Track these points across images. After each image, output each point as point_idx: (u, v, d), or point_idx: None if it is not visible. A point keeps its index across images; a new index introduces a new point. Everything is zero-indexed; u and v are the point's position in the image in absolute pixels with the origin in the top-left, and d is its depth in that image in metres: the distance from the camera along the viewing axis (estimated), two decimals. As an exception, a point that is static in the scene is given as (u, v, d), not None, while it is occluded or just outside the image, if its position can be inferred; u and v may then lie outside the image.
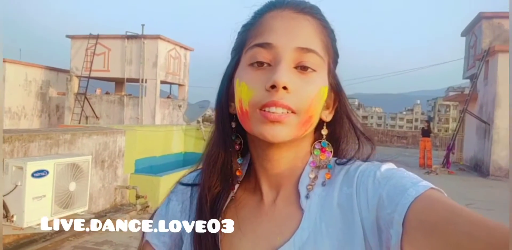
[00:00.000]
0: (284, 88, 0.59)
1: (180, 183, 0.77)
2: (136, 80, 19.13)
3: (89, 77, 19.20)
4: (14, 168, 3.82)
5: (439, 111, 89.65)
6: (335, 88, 0.69)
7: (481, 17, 15.60)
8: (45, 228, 4.08)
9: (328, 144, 0.70)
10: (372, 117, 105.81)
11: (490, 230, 0.45)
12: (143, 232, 0.76)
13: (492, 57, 13.99)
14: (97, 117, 19.26)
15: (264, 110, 0.60)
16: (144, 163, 7.16)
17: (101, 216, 5.33)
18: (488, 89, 14.23)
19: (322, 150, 0.69)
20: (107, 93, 21.41)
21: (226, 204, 0.70)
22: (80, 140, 5.18)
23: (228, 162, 0.70)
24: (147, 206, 6.24)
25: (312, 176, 0.67)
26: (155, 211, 0.78)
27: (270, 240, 0.64)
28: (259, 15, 0.67)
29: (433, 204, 0.52)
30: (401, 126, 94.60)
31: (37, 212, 3.88)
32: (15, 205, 3.77)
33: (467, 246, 0.46)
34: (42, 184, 3.93)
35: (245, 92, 0.62)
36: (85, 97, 19.20)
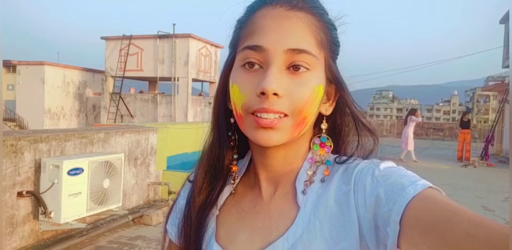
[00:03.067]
0: (275, 94, 0.59)
1: (188, 180, 0.80)
2: (169, 79, 19.47)
3: (123, 77, 19.68)
4: (51, 166, 3.98)
5: (477, 101, 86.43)
6: (335, 81, 0.67)
7: (520, 3, 14.91)
8: (81, 224, 4.25)
9: (327, 138, 0.69)
10: (407, 110, 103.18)
11: (489, 229, 0.45)
12: (165, 230, 0.79)
13: (532, 44, 13.36)
14: (131, 115, 19.73)
15: (256, 115, 0.61)
16: (176, 160, 7.28)
17: (135, 212, 5.48)
18: (528, 78, 13.62)
19: (322, 145, 0.69)
20: (141, 92, 21.89)
21: (225, 198, 0.72)
22: (114, 138, 5.33)
23: (224, 159, 0.72)
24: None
25: (310, 172, 0.67)
26: (170, 209, 0.81)
27: (265, 234, 0.65)
28: (251, 12, 0.66)
29: (431, 203, 0.52)
30: (437, 118, 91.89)
31: (74, 208, 4.03)
32: (52, 202, 3.94)
33: (465, 245, 0.45)
34: (78, 181, 4.08)
35: (237, 96, 0.63)
36: (120, 97, 19.70)
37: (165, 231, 0.79)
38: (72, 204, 4.01)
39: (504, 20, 17.40)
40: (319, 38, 0.64)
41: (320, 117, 0.68)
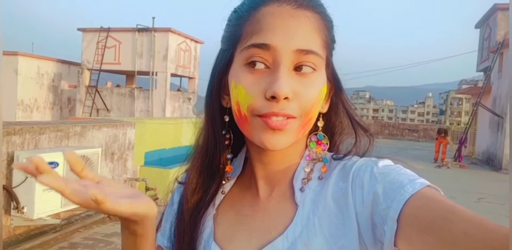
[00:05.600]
0: (285, 98, 0.58)
1: (178, 182, 0.78)
2: (147, 73, 19.20)
3: (100, 70, 19.31)
4: (24, 160, 3.85)
5: (451, 104, 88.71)
6: (332, 79, 0.67)
7: (496, 9, 15.31)
8: (55, 219, 4.13)
9: (324, 136, 0.69)
10: (383, 110, 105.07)
11: (487, 229, 0.44)
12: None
13: (507, 49, 13.74)
14: (108, 109, 19.40)
15: (264, 118, 0.59)
16: (154, 156, 7.19)
17: (111, 208, 5.38)
18: (502, 82, 14.01)
19: (318, 142, 0.69)
20: (118, 86, 21.53)
21: (222, 198, 0.71)
22: (90, 132, 5.20)
23: (218, 158, 0.70)
24: (157, 199, 6.27)
25: (307, 170, 0.67)
26: (162, 214, 0.78)
27: (264, 233, 0.64)
28: (254, 8, 0.62)
29: (429, 201, 0.51)
30: (412, 119, 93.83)
31: (47, 203, 3.92)
32: (25, 197, 3.82)
33: (462, 244, 0.45)
34: (52, 176, 3.96)
35: (243, 97, 0.60)
36: (96, 90, 19.34)
37: (158, 246, 0.74)
38: (46, 199, 3.89)
39: (479, 24, 17.84)
40: (324, 38, 0.63)
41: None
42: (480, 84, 18.01)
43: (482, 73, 18.03)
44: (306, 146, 0.69)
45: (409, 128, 27.94)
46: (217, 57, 0.69)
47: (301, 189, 0.65)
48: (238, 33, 0.63)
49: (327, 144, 0.69)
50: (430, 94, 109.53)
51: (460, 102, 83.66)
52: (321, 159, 0.68)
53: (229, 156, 0.71)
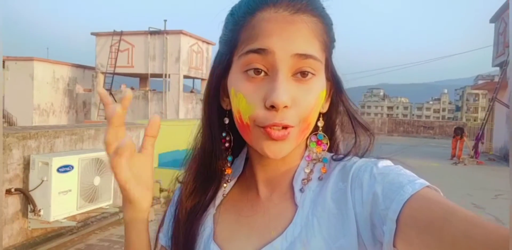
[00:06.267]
0: (285, 107, 0.58)
1: (179, 181, 0.78)
2: (160, 75, 19.36)
3: (114, 73, 19.53)
4: (40, 163, 3.92)
5: (467, 100, 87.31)
6: (332, 78, 0.66)
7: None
8: (71, 222, 4.19)
9: (324, 136, 0.68)
10: (397, 108, 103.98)
11: (486, 230, 0.44)
12: (157, 235, 0.78)
13: (522, 43, 13.49)
14: (122, 112, 19.60)
15: (265, 128, 0.59)
16: (168, 157, 7.23)
17: (126, 209, 5.43)
18: (518, 77, 13.76)
19: (318, 142, 0.68)
20: (131, 88, 21.74)
21: (221, 199, 0.72)
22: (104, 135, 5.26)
23: (217, 161, 0.70)
24: (171, 199, 6.31)
25: (307, 170, 0.67)
26: (164, 213, 0.79)
27: (264, 234, 0.64)
28: (250, 14, 0.61)
29: (429, 202, 0.51)
30: (427, 116, 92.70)
31: (63, 206, 3.98)
32: (41, 200, 3.88)
33: (462, 245, 0.45)
34: (68, 179, 4.02)
35: (244, 106, 0.60)
36: (111, 93, 19.53)
37: (157, 238, 0.77)
38: (62, 202, 3.95)
39: (494, 19, 17.54)
40: (322, 41, 0.62)
41: None
42: (496, 79, 17.71)
43: (498, 68, 17.72)
44: (306, 146, 0.69)
45: (425, 125, 27.59)
46: (215, 59, 0.69)
47: (301, 190, 0.65)
48: (235, 39, 0.63)
49: (327, 144, 0.68)
50: (446, 91, 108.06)
51: (477, 98, 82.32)
52: (321, 159, 0.68)
53: (229, 158, 0.71)
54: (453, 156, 14.32)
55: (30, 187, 3.90)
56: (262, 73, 0.59)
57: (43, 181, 3.87)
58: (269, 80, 0.59)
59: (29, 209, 3.93)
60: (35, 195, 3.89)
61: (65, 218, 4.06)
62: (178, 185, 0.78)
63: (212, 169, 0.70)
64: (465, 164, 13.04)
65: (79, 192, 4.14)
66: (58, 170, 3.92)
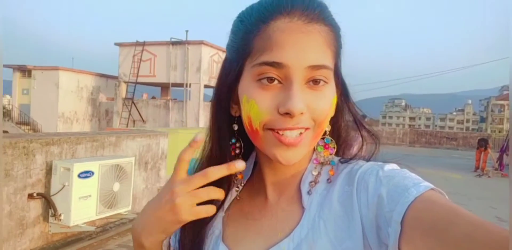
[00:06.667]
0: (301, 113, 0.58)
1: None
2: (181, 85, 19.60)
3: (136, 83, 19.86)
4: (62, 169, 4.00)
5: (492, 111, 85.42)
6: (339, 84, 0.67)
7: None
8: (90, 227, 4.25)
9: (331, 140, 0.69)
10: (420, 118, 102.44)
11: (490, 232, 0.44)
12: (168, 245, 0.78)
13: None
14: (143, 121, 19.87)
15: (278, 133, 0.59)
16: (190, 164, 7.29)
17: (145, 216, 5.47)
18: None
19: (325, 146, 0.69)
20: (153, 97, 22.06)
21: (230, 202, 0.72)
22: (125, 142, 5.35)
23: None
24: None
25: (315, 173, 0.68)
26: None
27: (271, 236, 0.65)
28: (264, 22, 0.61)
29: (433, 204, 0.52)
30: (451, 127, 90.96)
31: (83, 211, 4.04)
32: (62, 205, 3.95)
33: (465, 247, 0.45)
34: (88, 184, 4.09)
35: (255, 112, 0.60)
36: (132, 102, 19.87)
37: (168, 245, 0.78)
38: (82, 207, 4.01)
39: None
40: (334, 50, 0.63)
41: None
42: (521, 90, 17.29)
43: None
44: (314, 150, 0.69)
45: (447, 136, 27.05)
46: (224, 66, 0.68)
47: (308, 192, 0.66)
48: (248, 48, 0.62)
49: (334, 148, 0.69)
50: (470, 101, 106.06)
51: (502, 109, 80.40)
52: (328, 162, 0.68)
53: None
54: (476, 168, 13.99)
55: (52, 192, 3.98)
56: (276, 81, 0.60)
57: (64, 186, 3.94)
58: (283, 89, 0.59)
59: (50, 214, 4.00)
60: (56, 200, 3.96)
61: (84, 223, 4.11)
62: None
63: (224, 178, 0.69)
64: (489, 176, 12.71)
65: (99, 198, 4.20)
66: (79, 176, 3.99)
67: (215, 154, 0.69)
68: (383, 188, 0.57)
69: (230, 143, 0.70)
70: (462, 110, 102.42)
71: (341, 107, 0.69)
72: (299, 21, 0.59)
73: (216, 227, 0.71)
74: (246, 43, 0.62)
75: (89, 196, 4.10)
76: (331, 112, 0.64)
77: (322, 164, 0.68)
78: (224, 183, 0.71)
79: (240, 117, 0.66)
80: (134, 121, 19.92)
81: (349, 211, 0.60)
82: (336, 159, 0.69)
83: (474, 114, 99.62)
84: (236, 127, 0.69)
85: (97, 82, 23.90)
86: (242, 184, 0.73)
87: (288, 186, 0.69)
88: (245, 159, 0.74)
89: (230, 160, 0.69)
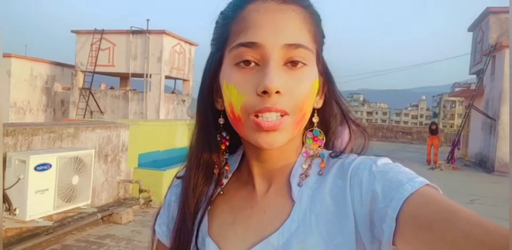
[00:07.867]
0: (277, 92, 0.57)
1: (176, 177, 0.77)
2: (141, 75, 19.14)
3: (94, 72, 19.22)
4: (17, 161, 3.82)
5: (444, 107, 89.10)
6: (324, 73, 0.67)
7: (488, 12, 15.44)
8: (47, 221, 4.09)
9: (320, 132, 0.68)
10: (377, 113, 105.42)
11: (487, 230, 0.44)
12: (153, 230, 0.77)
13: (499, 52, 13.86)
14: (101, 112, 19.31)
15: (257, 116, 0.58)
16: (148, 158, 7.15)
17: (104, 210, 5.34)
18: (494, 85, 14.12)
19: (314, 139, 0.68)
20: (111, 88, 21.45)
21: (214, 197, 0.71)
22: (84, 134, 5.17)
23: (213, 161, 0.69)
24: (150, 200, 6.25)
25: (305, 166, 0.66)
26: (159, 209, 0.79)
27: (260, 230, 0.64)
28: (240, 7, 0.62)
29: (428, 200, 0.51)
30: (406, 122, 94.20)
31: (40, 205, 3.88)
32: (17, 199, 3.78)
33: (461, 244, 0.45)
34: (45, 177, 3.93)
35: (235, 97, 0.60)
36: (90, 92, 19.24)
37: (153, 232, 0.77)
38: (38, 201, 3.86)
39: (472, 28, 17.97)
40: (312, 32, 0.63)
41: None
42: (472, 87, 18.12)
43: (474, 76, 18.15)
44: (303, 143, 0.68)
45: (403, 131, 28.00)
46: (207, 60, 0.68)
47: (299, 184, 0.64)
48: (226, 33, 0.62)
49: (323, 140, 0.68)
50: (424, 97, 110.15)
51: (453, 105, 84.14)
52: (318, 155, 0.67)
53: (226, 156, 0.71)
54: (428, 161, 14.57)
55: (6, 186, 3.80)
56: (253, 64, 0.59)
57: (19, 179, 3.77)
58: (260, 69, 0.58)
59: (3, 208, 3.82)
60: (11, 193, 3.79)
61: (41, 218, 3.96)
62: (175, 182, 0.77)
63: (210, 168, 0.70)
64: (441, 169, 13.28)
65: (57, 191, 4.05)
66: (35, 169, 3.83)
67: (203, 148, 0.69)
68: (377, 183, 0.56)
69: (218, 138, 0.69)
70: (417, 106, 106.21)
71: (328, 97, 0.69)
72: (273, 1, 0.60)
73: (202, 221, 0.69)
74: (224, 29, 0.63)
75: (46, 190, 3.94)
76: (311, 96, 0.62)
77: (312, 157, 0.67)
78: (211, 178, 0.70)
79: (225, 111, 0.65)
80: (91, 112, 19.30)
81: (342, 206, 0.59)
82: (326, 152, 0.68)
83: (427, 109, 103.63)
84: (222, 121, 0.68)
85: (52, 71, 22.92)
86: (228, 176, 0.71)
87: (277, 178, 0.67)
88: (232, 152, 0.73)
89: (218, 155, 0.69)
